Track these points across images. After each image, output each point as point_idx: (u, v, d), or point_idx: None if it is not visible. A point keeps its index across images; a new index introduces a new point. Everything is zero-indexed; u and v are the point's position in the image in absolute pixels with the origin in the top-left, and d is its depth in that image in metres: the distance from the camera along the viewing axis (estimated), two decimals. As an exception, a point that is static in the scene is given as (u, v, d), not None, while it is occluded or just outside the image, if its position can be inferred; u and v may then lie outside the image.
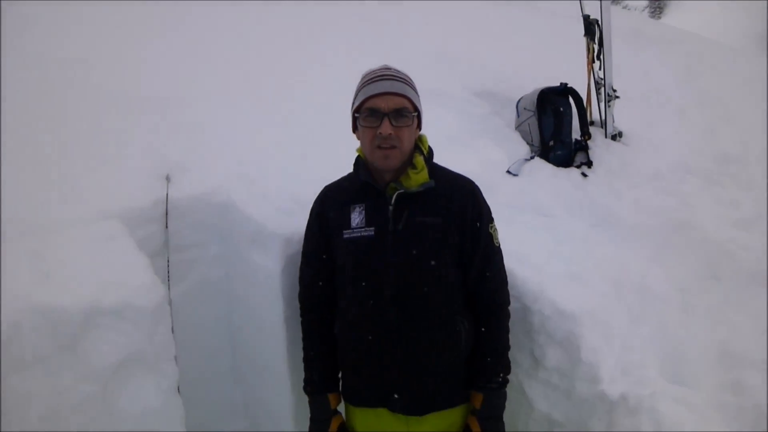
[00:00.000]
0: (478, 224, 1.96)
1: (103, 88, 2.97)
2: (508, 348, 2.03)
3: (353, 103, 1.97)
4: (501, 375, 1.98)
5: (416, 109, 1.93)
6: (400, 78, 1.93)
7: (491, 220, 2.03)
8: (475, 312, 2.00)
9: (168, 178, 2.40)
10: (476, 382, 1.97)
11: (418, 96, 1.97)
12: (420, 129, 2.01)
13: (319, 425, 2.04)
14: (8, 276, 1.78)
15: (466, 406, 2.02)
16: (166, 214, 2.32)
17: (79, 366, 1.79)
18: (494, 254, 2.01)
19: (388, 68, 1.97)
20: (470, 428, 1.95)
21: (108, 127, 2.66)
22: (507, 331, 2.03)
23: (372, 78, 1.92)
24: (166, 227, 2.33)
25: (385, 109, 1.85)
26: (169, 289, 2.29)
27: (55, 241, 1.97)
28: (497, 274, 2.02)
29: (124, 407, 1.88)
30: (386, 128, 1.84)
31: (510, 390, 2.36)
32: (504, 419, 2.49)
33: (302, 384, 2.09)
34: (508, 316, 2.04)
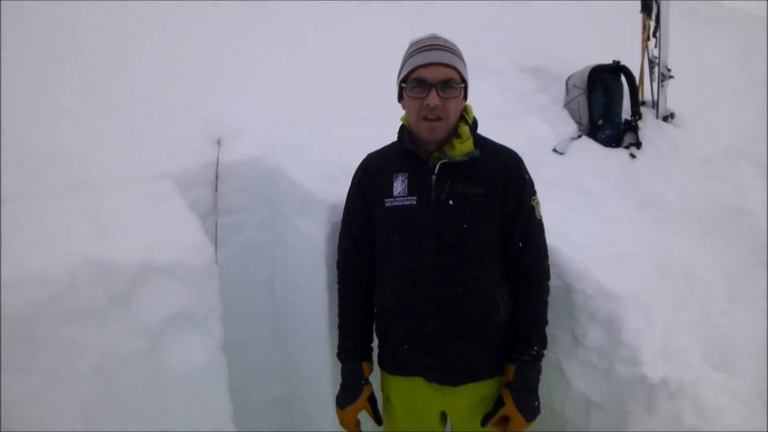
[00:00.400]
0: (520, 196, 1.94)
1: (156, 58, 3.01)
2: (545, 323, 2.01)
3: (399, 73, 1.95)
4: (535, 348, 1.96)
5: (464, 81, 1.90)
6: (449, 48, 1.90)
7: (534, 192, 2.00)
8: (515, 284, 1.99)
9: (219, 142, 2.43)
10: (510, 354, 1.97)
11: (466, 67, 1.94)
12: (466, 100, 1.98)
13: (349, 391, 2.05)
14: (66, 231, 1.85)
15: (501, 378, 2.02)
16: (216, 177, 2.36)
17: (130, 320, 1.85)
18: (535, 226, 1.99)
19: (437, 37, 1.93)
20: (502, 399, 1.96)
21: (162, 93, 2.71)
22: (545, 305, 2.02)
23: (420, 47, 1.89)
24: (216, 190, 2.37)
25: (433, 80, 1.83)
26: (216, 251, 2.33)
27: (111, 199, 2.02)
28: (537, 246, 2.00)
29: (171, 363, 1.94)
30: (433, 99, 1.82)
31: (548, 368, 2.36)
32: (540, 397, 2.51)
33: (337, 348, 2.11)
34: (547, 290, 2.02)
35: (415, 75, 1.86)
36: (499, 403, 1.97)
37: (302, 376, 2.66)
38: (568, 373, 2.40)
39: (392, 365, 2.06)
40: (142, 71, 2.84)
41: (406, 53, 1.95)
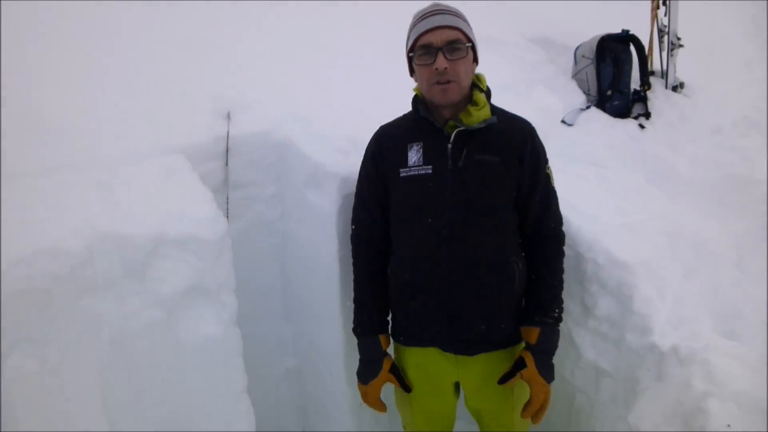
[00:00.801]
0: (536, 164, 1.96)
1: (166, 32, 3.00)
2: (563, 287, 2.03)
3: (407, 45, 1.95)
4: (557, 311, 1.98)
5: (470, 40, 1.88)
6: (451, 11, 1.89)
7: (547, 161, 2.02)
8: (532, 251, 2.01)
9: (229, 116, 2.43)
10: (532, 317, 1.97)
11: (471, 28, 1.93)
12: (477, 63, 1.97)
13: (369, 366, 2.04)
14: (81, 205, 1.86)
15: (515, 348, 2.03)
16: (227, 151, 2.36)
17: (145, 293, 1.87)
18: (552, 195, 2.02)
19: (437, 3, 1.93)
20: (524, 362, 1.94)
21: (172, 67, 2.70)
22: (563, 270, 2.04)
23: (422, 15, 1.90)
24: (227, 164, 2.37)
25: (438, 43, 1.82)
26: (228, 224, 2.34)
27: (124, 173, 2.03)
28: (555, 214, 2.03)
29: (185, 335, 1.96)
30: (441, 62, 1.81)
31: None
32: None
33: (352, 326, 2.10)
34: (564, 255, 2.05)
35: (421, 42, 1.86)
36: (519, 364, 1.95)
37: (314, 349, 2.68)
38: (578, 342, 2.42)
39: (407, 337, 2.05)
40: (153, 46, 2.83)
41: (410, 24, 1.94)
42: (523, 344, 2.03)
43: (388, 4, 3.93)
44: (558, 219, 2.04)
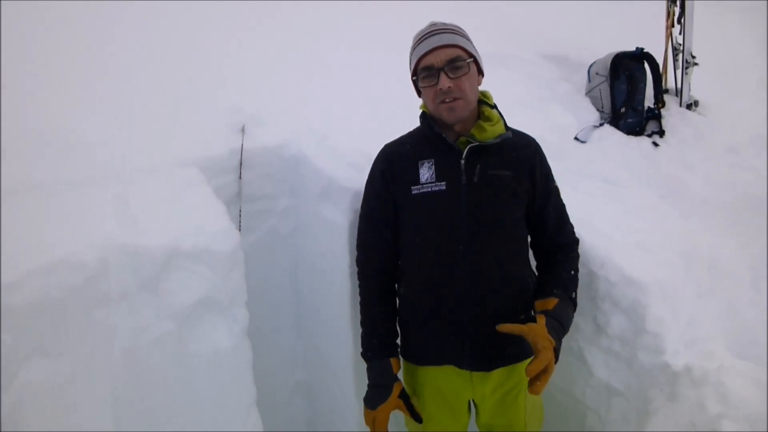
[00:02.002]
0: (546, 177, 2.00)
1: (183, 46, 3.04)
2: (578, 282, 2.03)
3: (409, 68, 1.97)
4: (574, 294, 1.97)
5: (471, 55, 1.89)
6: (448, 29, 1.90)
7: (553, 175, 2.06)
8: (551, 257, 2.02)
9: (243, 130, 2.45)
10: (550, 290, 1.92)
11: (470, 42, 1.94)
12: (482, 75, 1.98)
13: (379, 391, 1.96)
14: (96, 217, 1.88)
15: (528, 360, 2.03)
16: (241, 164, 2.38)
17: (159, 305, 1.87)
18: (563, 206, 2.07)
19: (434, 23, 1.94)
20: (534, 320, 1.86)
21: (187, 81, 2.74)
22: (578, 267, 2.06)
23: (420, 38, 1.91)
24: (240, 178, 2.39)
25: (439, 63, 1.84)
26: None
27: (139, 186, 2.05)
28: (569, 222, 2.08)
29: (197, 347, 1.96)
30: (444, 82, 1.82)
31: (569, 356, 2.36)
32: (560, 386, 2.51)
33: (360, 350, 2.05)
34: (579, 257, 2.08)
35: (422, 64, 1.88)
36: (528, 318, 1.90)
37: (324, 364, 2.68)
38: (590, 361, 2.40)
39: (421, 356, 2.02)
40: (169, 60, 2.87)
41: (411, 47, 1.96)
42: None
43: (403, 20, 3.96)
44: (572, 227, 2.09)
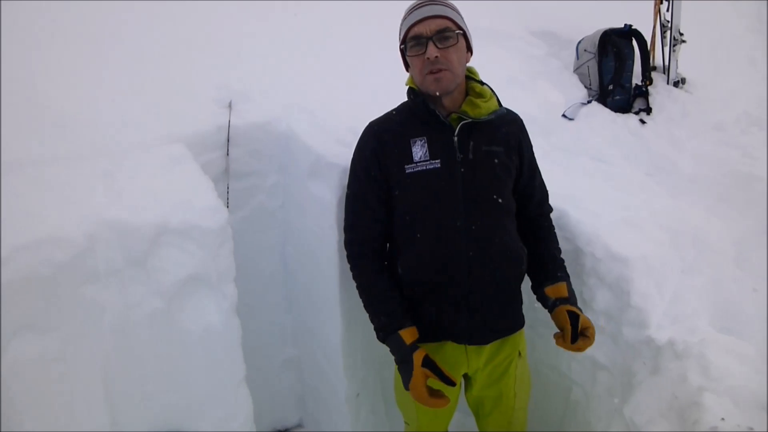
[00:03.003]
0: (531, 151, 2.08)
1: (168, 21, 3.00)
2: None
3: (399, 39, 1.96)
4: (566, 271, 2.09)
5: (460, 28, 1.89)
6: (439, 1, 1.90)
7: None
8: (536, 228, 2.11)
9: (230, 106, 2.43)
10: (555, 275, 2.04)
11: (461, 16, 1.94)
12: (471, 52, 1.98)
13: (403, 368, 1.87)
14: (83, 193, 1.87)
15: (519, 334, 2.08)
16: (228, 141, 2.36)
17: (148, 281, 1.88)
18: (543, 180, 2.17)
19: None
20: (575, 313, 1.93)
21: (175, 58, 2.70)
22: None
23: (412, 8, 1.92)
24: (228, 154, 2.38)
25: (428, 33, 1.83)
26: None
27: (126, 162, 2.03)
28: (547, 194, 2.19)
29: (186, 324, 1.97)
30: (432, 51, 1.82)
31: (554, 331, 2.39)
32: (546, 360, 2.55)
33: (360, 319, 2.06)
34: None
35: (411, 33, 1.88)
36: (574, 317, 1.92)
37: (314, 339, 2.69)
38: (575, 335, 2.43)
39: (420, 334, 1.95)
40: (157, 36, 2.83)
41: (402, 18, 1.95)
42: (523, 330, 2.08)
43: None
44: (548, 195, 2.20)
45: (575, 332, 1.92)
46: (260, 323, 2.71)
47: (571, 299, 2.01)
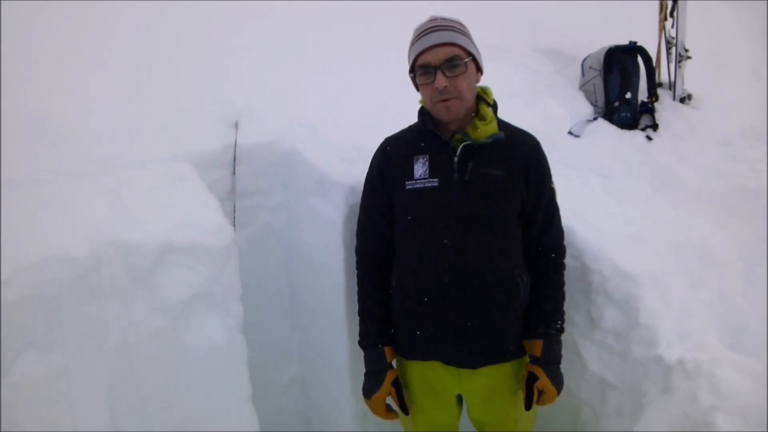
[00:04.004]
0: (541, 178, 1.98)
1: (174, 40, 3.02)
2: (564, 299, 2.05)
3: (408, 63, 1.96)
4: (559, 322, 2.00)
5: (469, 54, 1.89)
6: (448, 26, 1.89)
7: (551, 177, 2.04)
8: (533, 264, 2.01)
9: (236, 125, 2.44)
10: (535, 330, 1.99)
11: (471, 39, 1.94)
12: (481, 73, 1.98)
13: (373, 378, 2.01)
14: (88, 211, 1.87)
15: (519, 362, 2.03)
16: (234, 159, 2.37)
17: (152, 299, 1.87)
18: (555, 210, 2.04)
19: (434, 19, 1.93)
20: (534, 376, 1.96)
21: (181, 75, 2.72)
22: (564, 283, 2.06)
23: (419, 34, 1.91)
24: (234, 173, 2.38)
25: (436, 62, 1.83)
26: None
27: (131, 180, 2.04)
28: (557, 229, 2.06)
29: (191, 342, 1.96)
30: (440, 81, 1.83)
31: (564, 350, 2.36)
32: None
33: (357, 337, 2.09)
34: (565, 268, 2.07)
35: (419, 62, 1.88)
36: (531, 380, 1.96)
37: (319, 357, 2.68)
38: (584, 354, 2.41)
39: (409, 350, 2.04)
40: (162, 53, 2.85)
41: (410, 42, 1.95)
42: (526, 358, 2.04)
43: (397, 14, 3.94)
44: (560, 234, 2.07)
45: (529, 397, 1.98)
46: (266, 341, 2.69)
47: (543, 358, 1.96)
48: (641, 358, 2.23)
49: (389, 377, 2.01)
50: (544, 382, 1.94)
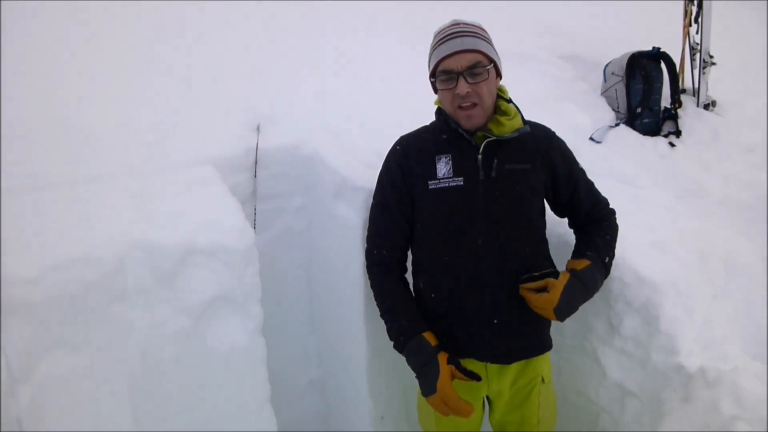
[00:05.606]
0: (569, 163, 2.03)
1: (200, 44, 3.07)
2: (615, 249, 2.06)
3: (428, 67, 1.96)
4: (607, 259, 1.99)
5: (491, 61, 1.88)
6: (470, 32, 1.89)
7: (575, 159, 2.09)
8: (592, 223, 2.07)
9: (258, 129, 2.47)
10: (584, 252, 1.98)
11: (492, 45, 1.93)
12: (500, 78, 1.98)
13: (427, 370, 1.83)
14: (113, 213, 1.91)
15: (544, 357, 2.04)
16: (256, 163, 2.40)
17: (175, 301, 1.90)
18: (593, 185, 2.12)
19: (457, 23, 1.93)
20: (556, 275, 1.91)
21: (204, 79, 2.76)
22: (616, 237, 2.08)
23: (441, 38, 1.90)
24: (255, 176, 2.41)
25: (458, 68, 1.83)
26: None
27: (155, 183, 2.08)
28: (602, 196, 2.13)
29: (212, 343, 1.99)
30: (463, 88, 1.83)
31: (583, 356, 2.35)
32: (573, 386, 2.50)
33: (385, 341, 1.97)
34: (618, 228, 2.10)
35: (441, 67, 1.88)
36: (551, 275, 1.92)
37: (339, 360, 2.69)
38: (603, 362, 2.38)
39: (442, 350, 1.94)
40: (186, 58, 2.90)
41: (431, 45, 1.95)
42: (548, 355, 2.05)
43: (418, 19, 3.97)
44: (606, 201, 2.12)
45: (531, 278, 1.91)
46: (285, 344, 2.71)
47: (581, 273, 1.90)
48: (661, 365, 2.21)
49: (442, 359, 1.83)
50: (557, 284, 1.85)
